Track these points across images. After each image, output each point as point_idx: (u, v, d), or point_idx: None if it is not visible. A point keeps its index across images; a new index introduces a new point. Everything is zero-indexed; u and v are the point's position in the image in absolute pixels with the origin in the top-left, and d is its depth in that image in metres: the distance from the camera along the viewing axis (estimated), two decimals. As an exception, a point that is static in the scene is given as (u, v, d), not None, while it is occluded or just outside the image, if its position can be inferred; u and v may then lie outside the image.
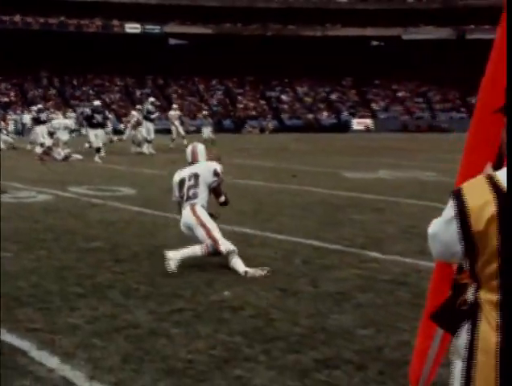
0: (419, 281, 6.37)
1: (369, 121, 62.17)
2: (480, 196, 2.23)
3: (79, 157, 24.79)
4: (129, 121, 31.25)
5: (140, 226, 10.57)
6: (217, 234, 7.66)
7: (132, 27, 61.23)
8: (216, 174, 7.93)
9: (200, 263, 7.84)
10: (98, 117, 25.65)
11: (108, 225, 10.59)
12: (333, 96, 67.00)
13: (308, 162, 23.22)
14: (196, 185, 7.89)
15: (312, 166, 21.84)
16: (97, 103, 28.02)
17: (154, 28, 61.72)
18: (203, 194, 7.90)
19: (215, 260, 7.96)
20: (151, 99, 32.38)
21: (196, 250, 7.58)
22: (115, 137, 31.22)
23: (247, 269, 7.31)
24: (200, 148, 8.31)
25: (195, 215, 7.75)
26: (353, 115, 64.13)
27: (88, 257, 8.19)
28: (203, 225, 7.67)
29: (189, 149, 8.26)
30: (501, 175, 2.25)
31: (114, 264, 7.83)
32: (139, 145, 28.46)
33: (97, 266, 7.75)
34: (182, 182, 7.98)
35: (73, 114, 39.97)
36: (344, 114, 64.47)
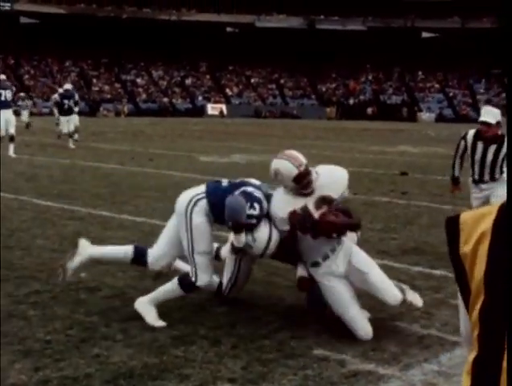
0: (272, 261, 6.61)
1: (223, 106, 62.71)
2: (477, 212, 1.62)
3: None
4: None
5: (-8, 209, 10.29)
6: None
7: (-20, 4, 58.58)
8: None
9: (54, 245, 7.82)
10: None
11: (-42, 209, 10.25)
12: (188, 81, 67.10)
13: (164, 146, 23.31)
14: None
15: (168, 149, 21.94)
16: None
17: (4, 5, 59.27)
18: None
19: (72, 245, 7.96)
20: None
21: None
22: None
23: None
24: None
25: None
26: (208, 100, 64.53)
27: None
28: None
29: None
30: None
31: (-33, 248, 7.66)
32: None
33: None
34: None
35: None
36: (199, 99, 64.76)
